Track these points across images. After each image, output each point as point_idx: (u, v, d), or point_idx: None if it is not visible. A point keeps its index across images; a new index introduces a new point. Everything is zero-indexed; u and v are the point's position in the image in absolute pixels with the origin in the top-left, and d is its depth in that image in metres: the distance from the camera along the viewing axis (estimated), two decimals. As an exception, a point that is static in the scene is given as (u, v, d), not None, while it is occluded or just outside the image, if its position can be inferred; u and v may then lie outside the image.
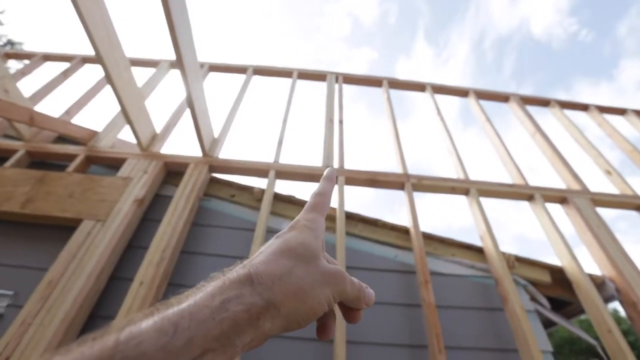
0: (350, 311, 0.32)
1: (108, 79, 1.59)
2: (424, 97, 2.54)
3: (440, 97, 2.60)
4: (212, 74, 2.58)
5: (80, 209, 1.62)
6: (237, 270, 0.25)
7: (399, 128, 2.06)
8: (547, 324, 1.74)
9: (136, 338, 0.19)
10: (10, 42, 11.57)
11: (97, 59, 1.52)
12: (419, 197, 1.88)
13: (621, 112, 2.69)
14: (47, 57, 2.70)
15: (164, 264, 1.41)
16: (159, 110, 2.33)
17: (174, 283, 1.48)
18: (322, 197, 0.35)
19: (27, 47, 12.07)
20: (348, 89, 2.60)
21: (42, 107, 2.31)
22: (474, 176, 1.87)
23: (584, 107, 2.68)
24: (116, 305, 1.31)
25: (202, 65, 2.52)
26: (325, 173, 0.39)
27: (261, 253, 0.28)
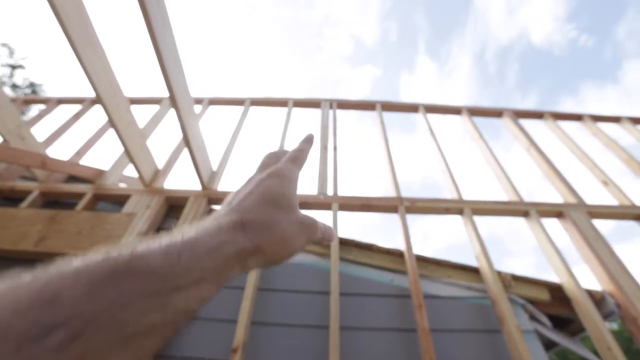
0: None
1: (111, 122, 1.70)
2: (418, 117, 2.60)
3: (436, 116, 2.67)
4: (212, 107, 2.70)
5: (88, 245, 1.71)
6: (230, 215, 0.29)
7: (392, 151, 2.11)
8: (551, 343, 1.71)
9: (146, 257, 0.21)
10: (32, 85, 12.31)
11: (101, 105, 1.63)
12: (421, 217, 1.91)
13: (616, 120, 2.69)
14: (61, 101, 2.87)
15: (166, 298, 1.46)
16: (162, 146, 2.45)
17: (177, 316, 1.53)
18: (301, 152, 0.39)
19: (47, 88, 12.77)
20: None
21: (55, 149, 2.46)
22: (472, 194, 1.89)
23: (577, 117, 2.70)
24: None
25: (202, 100, 2.65)
26: (304, 136, 0.43)
27: (247, 197, 0.31)
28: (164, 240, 0.24)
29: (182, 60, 1.62)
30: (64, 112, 2.77)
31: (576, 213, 1.85)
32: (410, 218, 1.85)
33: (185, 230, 0.25)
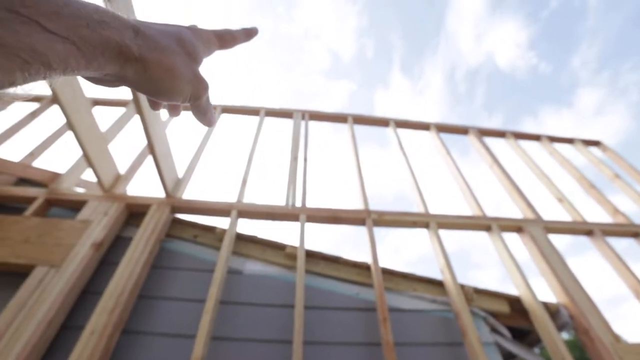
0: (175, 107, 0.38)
1: (69, 123, 1.60)
2: (389, 131, 2.66)
3: (408, 131, 2.74)
4: (182, 113, 2.63)
5: (35, 255, 1.58)
6: (130, 20, 0.25)
7: (361, 164, 2.14)
8: (510, 355, 1.76)
9: None
10: None
11: (59, 105, 1.54)
12: (393, 230, 1.93)
13: (570, 141, 2.89)
14: (16, 98, 2.69)
15: (118, 310, 1.37)
16: (126, 150, 2.34)
17: (130, 330, 1.44)
18: (230, 35, 0.37)
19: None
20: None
21: (7, 149, 2.29)
22: (440, 208, 1.94)
23: (536, 137, 2.87)
24: (66, 356, 1.26)
25: (171, 104, 2.57)
26: (250, 27, 0.40)
27: (156, 24, 0.29)
28: None
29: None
30: (19, 110, 2.59)
31: (534, 228, 1.94)
32: (383, 231, 1.88)
33: None
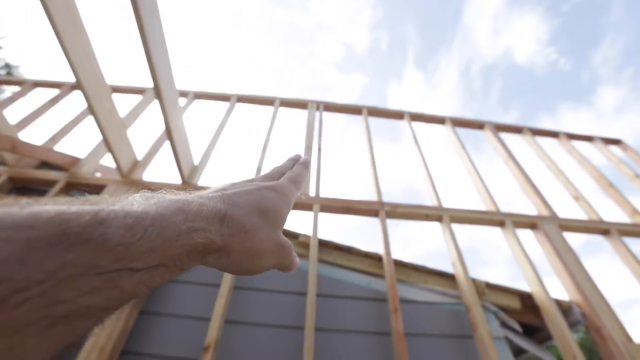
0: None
1: (90, 109, 1.63)
2: (404, 124, 2.64)
3: (422, 125, 2.72)
4: (198, 102, 2.66)
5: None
6: (216, 201, 0.26)
7: (375, 156, 2.13)
8: (520, 350, 1.76)
9: (107, 224, 0.18)
10: (7, 66, 11.62)
11: (81, 91, 1.58)
12: (402, 223, 1.94)
13: (589, 139, 2.82)
14: (38, 84, 2.75)
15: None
16: (143, 137, 2.39)
17: (147, 311, 1.48)
18: (302, 178, 0.38)
19: (24, 70, 12.13)
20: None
21: (29, 133, 2.35)
22: (452, 202, 1.93)
23: (554, 134, 2.81)
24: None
25: (187, 93, 2.60)
26: (303, 159, 0.42)
27: (242, 194, 0.29)
28: (136, 204, 0.21)
29: (169, 53, 1.58)
30: (41, 96, 2.65)
31: (549, 225, 1.92)
32: (392, 224, 1.88)
33: (161, 200, 0.23)
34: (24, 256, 0.14)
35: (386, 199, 1.86)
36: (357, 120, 2.62)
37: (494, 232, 1.93)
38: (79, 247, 0.16)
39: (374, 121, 2.64)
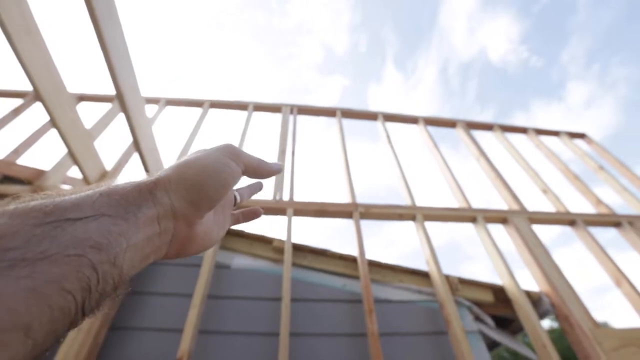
0: (251, 211, 0.42)
1: (52, 120, 1.58)
2: (378, 125, 2.67)
3: (398, 125, 2.76)
4: (170, 108, 2.61)
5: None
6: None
7: (349, 158, 2.15)
8: (494, 343, 1.81)
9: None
10: None
11: (40, 101, 1.52)
12: (388, 222, 1.95)
13: (555, 133, 2.93)
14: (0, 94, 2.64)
15: (106, 307, 1.37)
16: (115, 145, 2.32)
17: (118, 326, 1.44)
18: (260, 163, 0.36)
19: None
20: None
21: (-12, 146, 2.25)
22: (428, 200, 1.96)
23: (523, 130, 2.91)
24: (53, 353, 1.26)
25: (158, 100, 2.55)
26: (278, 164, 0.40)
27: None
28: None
29: (132, 58, 1.55)
30: (3, 106, 2.55)
31: (518, 219, 1.98)
32: (376, 225, 1.89)
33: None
34: None
35: (369, 198, 1.88)
36: (334, 122, 2.63)
37: (471, 228, 1.97)
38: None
39: (358, 123, 2.66)
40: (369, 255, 1.68)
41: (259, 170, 0.35)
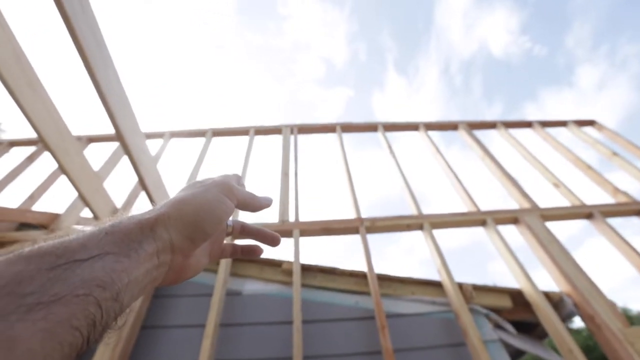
0: (251, 248, 0.44)
1: (60, 167, 1.65)
2: (379, 136, 2.67)
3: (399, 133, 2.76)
4: (175, 140, 2.68)
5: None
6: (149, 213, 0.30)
7: (352, 172, 2.15)
8: (518, 351, 1.74)
9: (45, 242, 0.22)
10: None
11: (47, 150, 1.59)
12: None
13: (563, 124, 2.86)
14: (14, 143, 2.78)
15: (121, 344, 1.40)
16: (124, 182, 2.40)
17: (136, 363, 1.46)
18: (252, 197, 0.39)
19: (6, 127, 12.18)
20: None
21: (7, 194, 2.36)
22: (438, 207, 1.94)
23: (527, 124, 2.85)
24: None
25: (163, 134, 2.63)
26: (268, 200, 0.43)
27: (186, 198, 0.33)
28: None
29: (129, 99, 1.62)
30: (18, 155, 2.67)
31: (530, 217, 1.92)
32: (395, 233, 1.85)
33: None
34: None
35: (382, 207, 1.88)
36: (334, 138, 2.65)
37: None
38: (28, 258, 0.21)
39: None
40: (385, 267, 1.67)
41: (251, 205, 0.39)
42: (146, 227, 0.27)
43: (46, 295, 0.19)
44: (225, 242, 0.43)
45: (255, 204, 0.39)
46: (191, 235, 0.30)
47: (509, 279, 1.71)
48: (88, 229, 0.25)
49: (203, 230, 0.31)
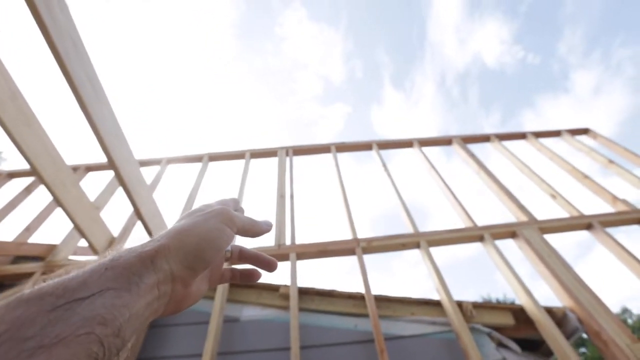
0: (249, 273, 0.43)
1: (56, 200, 1.66)
2: (373, 154, 2.69)
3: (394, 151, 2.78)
4: (171, 166, 2.71)
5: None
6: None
7: (347, 193, 2.15)
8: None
9: (46, 283, 0.23)
10: None
11: (42, 183, 1.61)
12: None
13: (556, 134, 2.88)
14: (12, 175, 2.80)
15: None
16: (122, 210, 2.40)
17: (132, 398, 1.43)
18: (253, 224, 0.40)
19: (7, 156, 12.32)
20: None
21: (4, 225, 2.36)
22: (428, 226, 1.92)
23: (522, 136, 2.86)
24: None
25: (160, 160, 2.66)
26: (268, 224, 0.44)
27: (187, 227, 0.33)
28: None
29: (123, 129, 1.64)
30: (17, 185, 2.69)
31: (528, 231, 1.90)
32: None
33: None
34: None
35: (384, 225, 1.86)
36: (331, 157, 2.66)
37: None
38: (28, 302, 0.21)
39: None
40: (391, 282, 1.64)
41: (251, 231, 0.39)
42: (147, 260, 0.27)
43: (47, 338, 0.19)
44: (224, 267, 0.43)
45: (255, 230, 0.40)
46: (191, 265, 0.30)
47: (511, 295, 1.67)
48: (88, 266, 0.25)
49: (203, 260, 0.31)
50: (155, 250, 0.28)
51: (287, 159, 2.55)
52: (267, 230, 0.42)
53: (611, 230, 2.02)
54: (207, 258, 0.31)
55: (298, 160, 2.65)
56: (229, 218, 0.35)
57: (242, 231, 0.37)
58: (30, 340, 0.18)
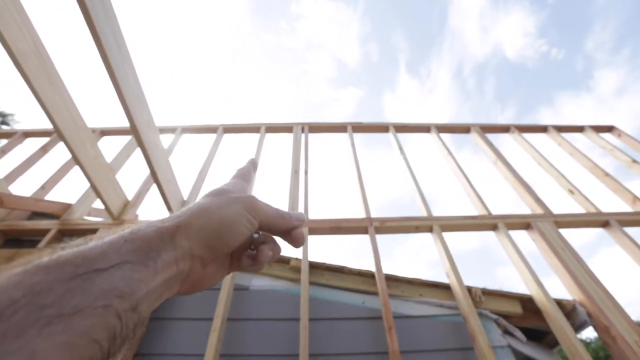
0: (287, 235, 0.37)
1: (74, 158, 1.67)
2: (389, 137, 2.65)
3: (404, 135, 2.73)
4: (186, 136, 2.70)
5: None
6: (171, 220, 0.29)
7: (362, 172, 2.14)
8: (527, 358, 1.70)
9: (66, 251, 0.22)
10: (1, 114, 11.83)
11: (62, 141, 1.62)
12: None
13: (579, 129, 2.80)
14: (28, 134, 2.83)
15: (129, 336, 1.41)
16: (137, 175, 2.42)
17: (142, 353, 1.47)
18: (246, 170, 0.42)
19: (19, 118, 12.37)
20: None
21: (20, 183, 2.41)
22: (442, 211, 1.91)
23: (543, 129, 2.79)
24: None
25: (175, 129, 2.65)
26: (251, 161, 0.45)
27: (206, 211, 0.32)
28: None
29: (145, 94, 1.63)
30: (32, 145, 2.72)
31: (543, 223, 1.88)
32: (403, 234, 1.83)
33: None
34: (9, 283, 0.19)
35: (396, 208, 1.86)
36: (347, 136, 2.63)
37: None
38: (47, 269, 0.20)
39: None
40: (392, 268, 1.65)
41: (278, 225, 0.35)
42: (166, 235, 0.27)
43: (66, 307, 0.18)
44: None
45: (283, 225, 0.35)
46: (212, 245, 0.30)
47: (517, 285, 1.67)
48: (107, 237, 0.25)
49: (225, 243, 0.31)
50: (176, 226, 0.28)
51: (303, 135, 2.52)
52: (298, 226, 0.36)
53: (628, 230, 1.99)
54: (229, 242, 0.31)
55: (312, 137, 2.63)
56: (253, 207, 0.33)
57: (266, 224, 0.34)
58: (48, 308, 0.18)
